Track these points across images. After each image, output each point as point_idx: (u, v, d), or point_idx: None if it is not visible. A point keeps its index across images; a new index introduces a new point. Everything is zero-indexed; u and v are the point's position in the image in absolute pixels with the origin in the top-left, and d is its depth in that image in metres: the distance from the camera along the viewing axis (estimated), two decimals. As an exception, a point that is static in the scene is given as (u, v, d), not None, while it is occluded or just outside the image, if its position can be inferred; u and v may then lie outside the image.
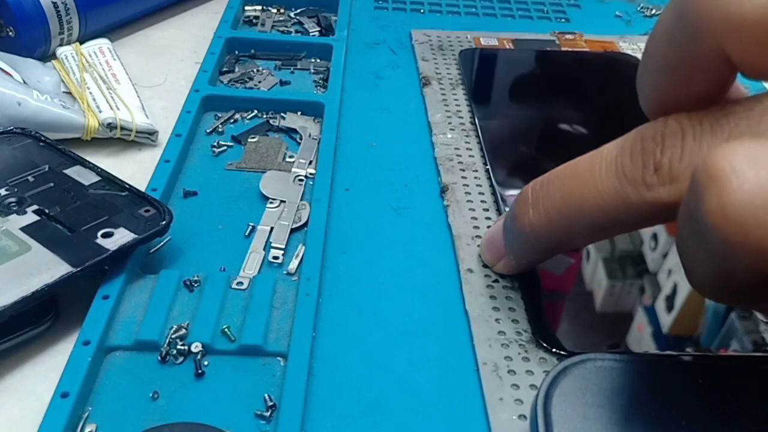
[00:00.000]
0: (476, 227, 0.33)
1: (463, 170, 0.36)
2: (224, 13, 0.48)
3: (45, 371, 0.26)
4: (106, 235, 0.29)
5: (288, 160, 0.37)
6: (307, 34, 0.49)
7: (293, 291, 0.29)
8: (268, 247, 0.31)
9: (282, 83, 0.43)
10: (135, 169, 0.36)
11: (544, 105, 0.42)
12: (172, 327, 0.27)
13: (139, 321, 0.27)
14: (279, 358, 0.26)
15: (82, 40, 0.43)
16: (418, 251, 0.32)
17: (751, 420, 0.22)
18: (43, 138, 0.34)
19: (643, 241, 0.33)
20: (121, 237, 0.29)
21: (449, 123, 0.40)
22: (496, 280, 0.30)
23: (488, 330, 0.28)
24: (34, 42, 0.42)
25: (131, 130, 0.37)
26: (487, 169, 0.36)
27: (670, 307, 0.30)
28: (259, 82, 0.43)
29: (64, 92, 0.39)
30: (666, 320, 0.29)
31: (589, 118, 0.42)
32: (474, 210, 0.34)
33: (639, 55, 0.48)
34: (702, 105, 0.21)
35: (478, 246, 0.32)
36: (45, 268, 0.27)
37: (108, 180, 0.32)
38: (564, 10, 0.54)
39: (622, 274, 0.31)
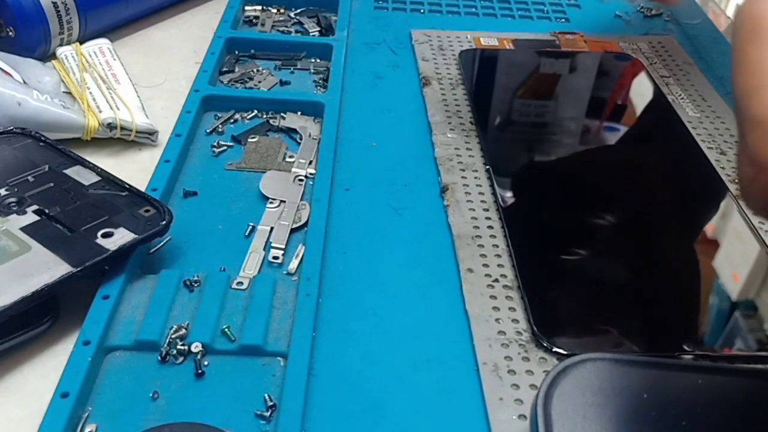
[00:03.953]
0: (476, 227, 0.33)
1: (463, 170, 0.36)
2: (224, 13, 0.48)
3: (45, 371, 0.26)
4: (106, 235, 0.29)
5: (288, 160, 0.37)
6: (307, 34, 0.49)
7: (293, 291, 0.29)
8: (268, 247, 0.31)
9: (282, 83, 0.43)
10: (135, 169, 0.36)
11: (544, 107, 0.42)
12: (172, 327, 0.27)
13: (139, 321, 0.27)
14: (279, 358, 0.26)
15: (82, 40, 0.43)
16: (418, 251, 0.32)
17: (751, 420, 0.22)
18: (43, 138, 0.34)
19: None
20: (121, 237, 0.29)
21: (449, 123, 0.40)
22: (496, 280, 0.30)
23: (488, 330, 0.28)
24: (34, 42, 0.42)
25: (131, 130, 0.37)
26: (487, 169, 0.36)
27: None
28: (259, 82, 0.43)
29: (64, 92, 0.39)
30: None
31: (587, 116, 0.42)
32: (474, 210, 0.34)
33: (638, 55, 0.48)
34: None
35: (479, 246, 0.32)
36: (45, 268, 0.27)
37: (108, 180, 0.32)
38: (564, 10, 0.54)
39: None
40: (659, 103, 0.43)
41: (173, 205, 0.33)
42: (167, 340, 0.26)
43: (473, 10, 0.53)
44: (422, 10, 0.53)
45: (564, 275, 0.31)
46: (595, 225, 0.34)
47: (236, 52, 0.46)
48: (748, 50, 0.21)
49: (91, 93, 0.38)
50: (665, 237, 0.33)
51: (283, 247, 0.31)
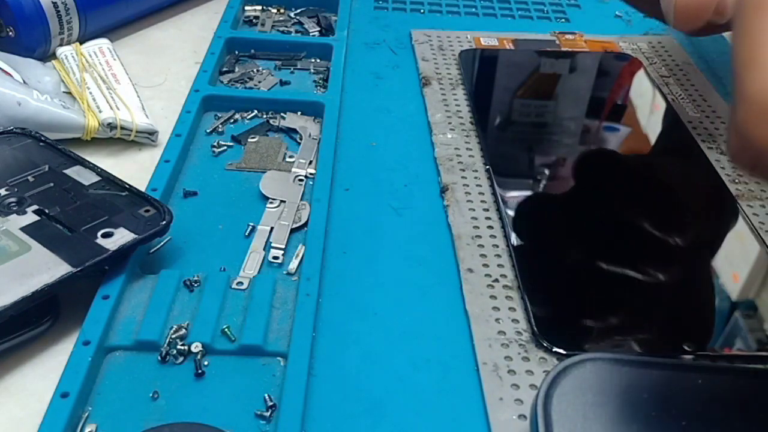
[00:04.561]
0: (476, 227, 0.33)
1: (463, 170, 0.36)
2: (224, 13, 0.48)
3: (45, 371, 0.26)
4: (106, 235, 0.29)
5: (288, 160, 0.37)
6: (307, 34, 0.49)
7: (293, 291, 0.29)
8: (268, 247, 0.31)
9: (282, 83, 0.43)
10: (135, 169, 0.36)
11: (544, 107, 0.42)
12: (172, 327, 0.27)
13: (139, 321, 0.27)
14: (279, 358, 0.26)
15: (82, 40, 0.43)
16: (418, 251, 0.32)
17: (751, 420, 0.22)
18: (43, 138, 0.34)
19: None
20: (121, 237, 0.29)
21: (449, 123, 0.40)
22: (496, 280, 0.30)
23: (488, 330, 0.28)
24: (34, 42, 0.42)
25: (131, 130, 0.37)
26: (487, 169, 0.36)
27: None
28: (259, 82, 0.43)
29: (64, 92, 0.39)
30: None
31: (587, 116, 0.42)
32: (474, 210, 0.34)
33: (638, 55, 0.48)
34: None
35: (479, 246, 0.32)
36: (45, 268, 0.27)
37: (108, 180, 0.32)
38: (564, 10, 0.54)
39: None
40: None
41: (173, 205, 0.33)
42: (167, 340, 0.26)
43: (473, 10, 0.53)
44: (422, 10, 0.53)
45: (564, 275, 0.31)
46: (595, 225, 0.34)
47: (236, 52, 0.46)
48: (754, 19, 0.20)
49: (91, 93, 0.38)
50: (664, 237, 0.33)
51: (283, 247, 0.31)
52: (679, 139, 0.40)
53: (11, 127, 0.34)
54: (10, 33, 0.41)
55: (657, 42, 0.50)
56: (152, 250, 0.30)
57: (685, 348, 0.27)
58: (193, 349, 0.26)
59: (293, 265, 0.30)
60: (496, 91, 0.44)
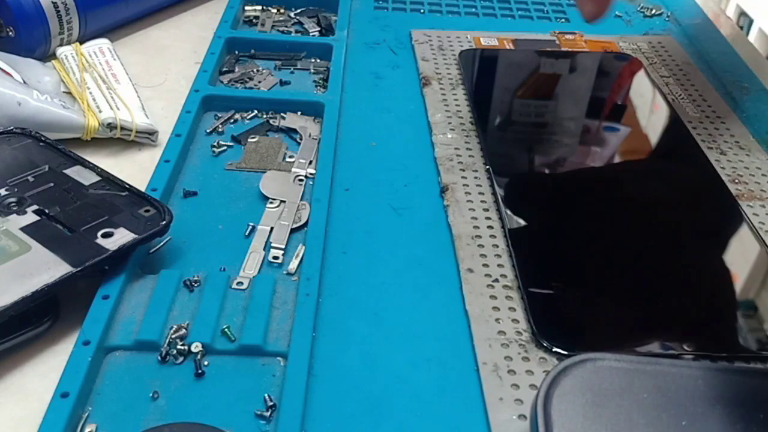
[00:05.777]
0: (476, 227, 0.33)
1: (463, 170, 0.36)
2: (224, 13, 0.48)
3: (45, 371, 0.26)
4: (106, 235, 0.29)
5: (288, 160, 0.37)
6: (307, 34, 0.49)
7: (293, 291, 0.29)
8: (268, 247, 0.31)
9: (282, 83, 0.43)
10: (135, 169, 0.36)
11: (544, 107, 0.42)
12: (172, 327, 0.27)
13: (139, 321, 0.27)
14: (279, 358, 0.26)
15: (82, 40, 0.43)
16: (418, 251, 0.32)
17: (752, 420, 0.22)
18: (43, 138, 0.34)
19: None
20: (121, 237, 0.29)
21: (449, 123, 0.40)
22: (496, 280, 0.30)
23: (488, 330, 0.28)
24: (34, 42, 0.42)
25: (131, 130, 0.37)
26: (487, 169, 0.36)
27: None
28: (259, 82, 0.43)
29: (64, 92, 0.39)
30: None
31: (587, 116, 0.42)
32: (474, 210, 0.34)
33: (638, 55, 0.48)
34: None
35: (479, 246, 0.32)
36: (45, 268, 0.27)
37: (108, 180, 0.32)
38: (564, 10, 0.54)
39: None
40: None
41: (173, 205, 0.33)
42: (167, 340, 0.26)
43: (473, 10, 0.53)
44: (422, 10, 0.53)
45: (564, 275, 0.31)
46: (595, 225, 0.34)
47: (236, 52, 0.46)
48: None
49: (91, 93, 0.38)
50: (664, 236, 0.33)
51: (283, 247, 0.31)
52: (678, 139, 0.40)
53: (11, 127, 0.34)
54: (10, 33, 0.41)
55: (657, 42, 0.50)
56: (152, 250, 0.30)
57: (685, 348, 0.27)
58: (193, 349, 0.26)
59: (293, 265, 0.30)
60: (496, 91, 0.44)
